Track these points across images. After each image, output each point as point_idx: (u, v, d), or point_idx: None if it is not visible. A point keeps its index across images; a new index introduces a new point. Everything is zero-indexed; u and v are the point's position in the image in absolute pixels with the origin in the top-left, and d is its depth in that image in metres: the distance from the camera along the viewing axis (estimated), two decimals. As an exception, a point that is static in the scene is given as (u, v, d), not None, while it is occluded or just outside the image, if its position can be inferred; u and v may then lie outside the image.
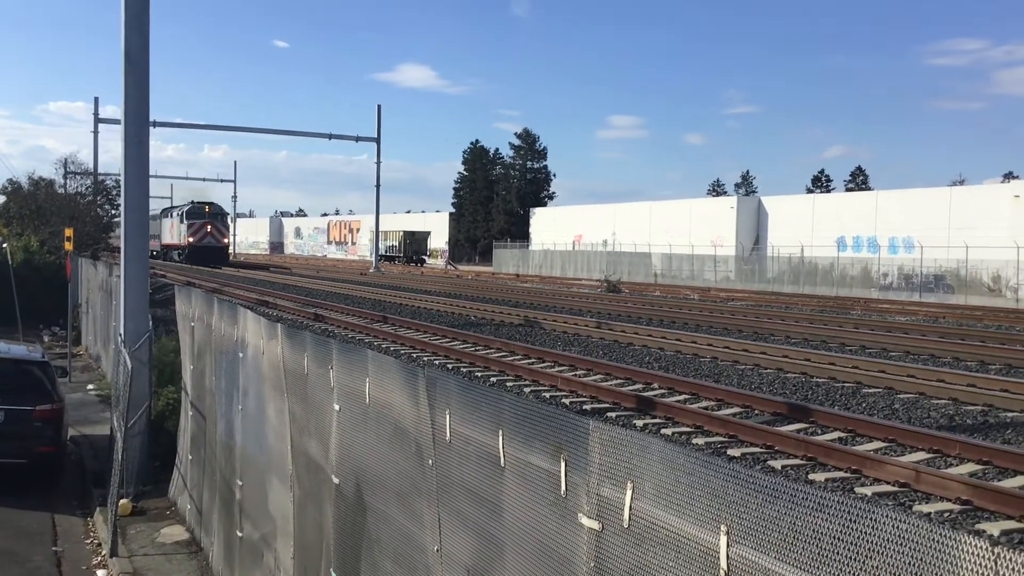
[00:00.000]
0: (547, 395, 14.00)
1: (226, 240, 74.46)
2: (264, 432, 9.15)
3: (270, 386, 8.88)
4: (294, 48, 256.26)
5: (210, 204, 73.48)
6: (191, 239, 69.71)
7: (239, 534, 9.81)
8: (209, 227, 70.41)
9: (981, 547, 2.29)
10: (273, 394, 8.76)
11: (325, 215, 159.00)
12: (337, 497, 6.84)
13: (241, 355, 10.00)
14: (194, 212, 71.55)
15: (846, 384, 14.50)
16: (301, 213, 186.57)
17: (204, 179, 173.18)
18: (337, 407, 6.81)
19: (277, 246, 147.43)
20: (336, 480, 6.84)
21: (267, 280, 47.05)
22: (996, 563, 2.25)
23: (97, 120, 61.97)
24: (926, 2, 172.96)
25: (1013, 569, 2.20)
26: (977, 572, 2.28)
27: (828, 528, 2.81)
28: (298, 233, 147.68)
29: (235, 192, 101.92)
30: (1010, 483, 8.75)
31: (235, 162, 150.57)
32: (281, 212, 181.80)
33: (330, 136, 64.99)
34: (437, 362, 17.50)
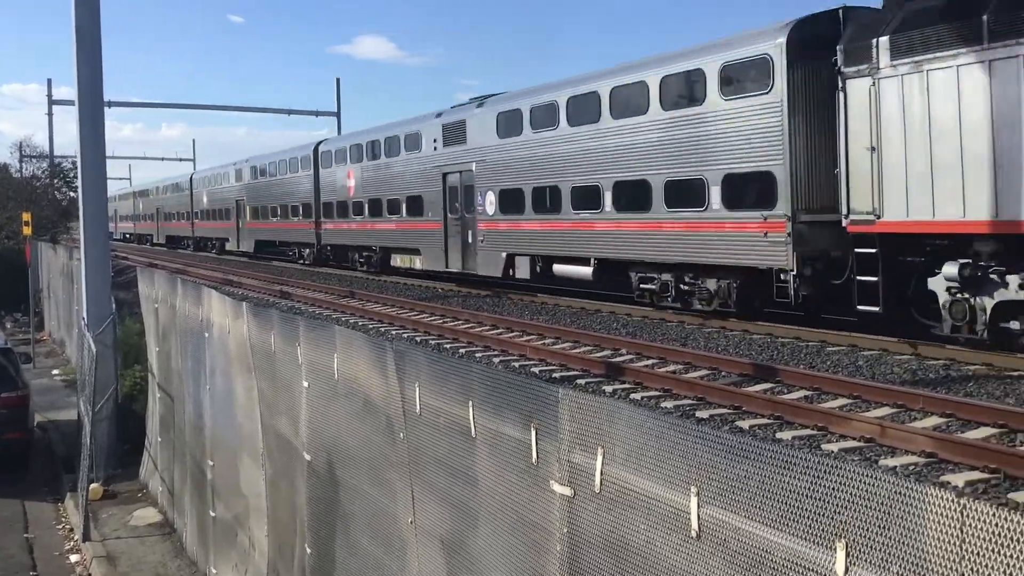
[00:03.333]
0: (517, 364, 14.03)
1: None
2: (233, 411, 9.11)
3: (237, 365, 8.83)
4: (250, 23, 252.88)
5: None
6: None
7: (212, 514, 9.79)
8: None
9: (947, 499, 2.33)
10: (241, 373, 8.71)
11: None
12: (309, 474, 6.83)
13: (207, 335, 9.93)
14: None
15: (810, 343, 14.63)
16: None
17: (163, 158, 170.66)
18: (306, 384, 6.78)
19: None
20: (308, 457, 6.83)
21: (231, 260, 46.58)
22: (963, 514, 2.29)
23: (51, 101, 60.72)
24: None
25: (978, 519, 2.24)
26: (943, 523, 2.32)
27: (796, 485, 2.85)
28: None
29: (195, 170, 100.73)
30: (973, 435, 8.91)
31: (193, 140, 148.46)
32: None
33: (289, 112, 64.12)
34: (406, 335, 17.46)
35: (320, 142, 36.00)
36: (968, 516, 2.25)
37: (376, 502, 5.84)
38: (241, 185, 45.15)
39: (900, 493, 2.47)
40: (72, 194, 55.62)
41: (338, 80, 65.42)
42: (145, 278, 14.22)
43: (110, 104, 51.07)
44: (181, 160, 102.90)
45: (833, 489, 2.72)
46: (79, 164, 14.37)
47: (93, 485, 12.42)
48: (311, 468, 6.80)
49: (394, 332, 17.86)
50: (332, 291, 26.46)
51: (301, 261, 38.99)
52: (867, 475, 2.65)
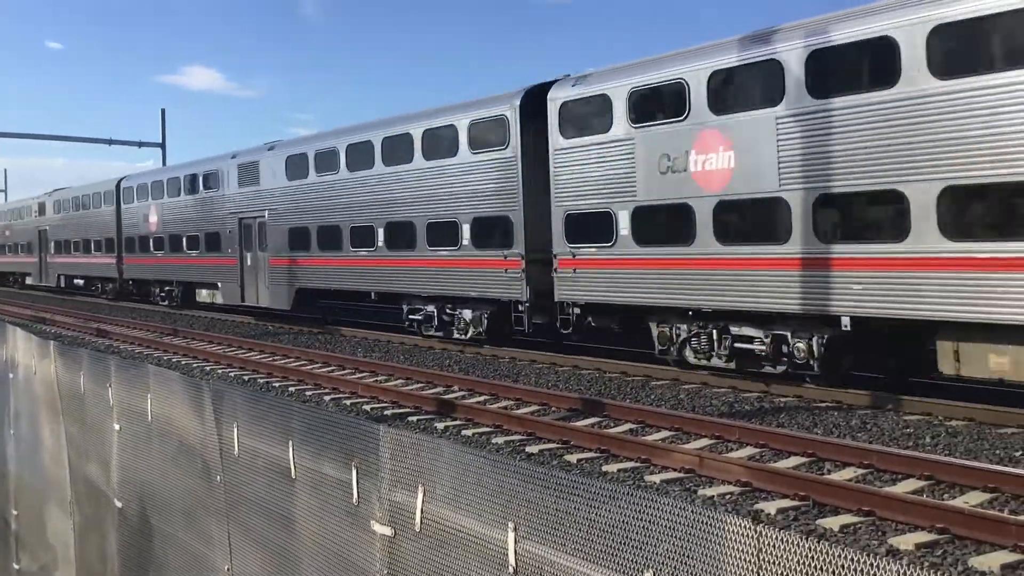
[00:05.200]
0: (347, 402, 13.80)
1: None
2: (39, 458, 8.57)
3: (45, 408, 8.32)
4: (69, 50, 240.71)
5: None
6: None
7: (16, 567, 9.16)
8: None
9: (745, 527, 2.42)
10: (48, 416, 8.22)
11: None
12: (121, 521, 6.49)
13: (11, 376, 9.35)
14: None
15: (636, 378, 15.07)
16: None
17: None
18: (117, 427, 6.46)
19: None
20: (119, 504, 6.49)
21: (46, 296, 44.10)
22: (759, 540, 2.38)
23: None
24: None
25: (773, 544, 2.33)
26: (742, 548, 2.41)
27: (620, 519, 2.90)
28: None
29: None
30: (784, 464, 9.36)
31: (4, 170, 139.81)
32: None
33: (110, 141, 61.49)
34: (232, 374, 16.91)
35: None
36: (763, 543, 2.35)
37: (192, 549, 5.59)
38: None
39: (705, 523, 2.55)
40: None
41: (163, 110, 63.61)
42: (-56, 316, 13.26)
43: (-96, 131, 48.01)
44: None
45: (653, 521, 2.78)
46: None
47: None
48: (123, 515, 6.46)
49: (220, 371, 17.27)
50: (154, 328, 25.42)
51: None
52: (680, 507, 2.72)
